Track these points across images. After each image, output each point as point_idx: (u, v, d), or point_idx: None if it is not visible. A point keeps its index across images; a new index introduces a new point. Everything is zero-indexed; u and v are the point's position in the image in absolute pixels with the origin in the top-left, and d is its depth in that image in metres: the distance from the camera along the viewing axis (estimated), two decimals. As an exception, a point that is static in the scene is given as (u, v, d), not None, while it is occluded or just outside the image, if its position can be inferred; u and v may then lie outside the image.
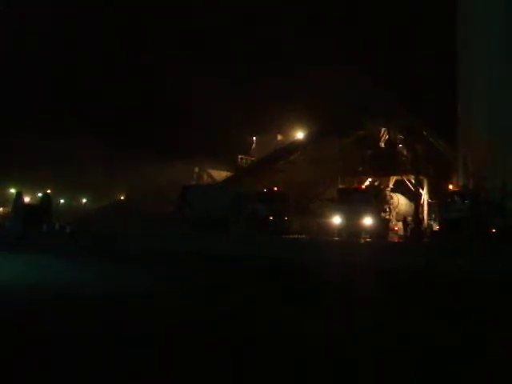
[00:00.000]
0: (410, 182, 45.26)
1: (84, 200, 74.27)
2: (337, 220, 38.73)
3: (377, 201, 39.51)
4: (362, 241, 35.65)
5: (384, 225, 39.62)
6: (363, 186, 43.94)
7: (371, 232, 37.68)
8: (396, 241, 39.21)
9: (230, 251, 22.76)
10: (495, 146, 38.38)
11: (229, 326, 8.29)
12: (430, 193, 44.82)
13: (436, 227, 42.29)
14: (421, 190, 44.66)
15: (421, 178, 44.82)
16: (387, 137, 48.18)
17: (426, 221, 44.17)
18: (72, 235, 36.28)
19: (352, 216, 37.63)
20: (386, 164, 45.03)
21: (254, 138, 63.82)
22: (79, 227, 39.07)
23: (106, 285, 13.25)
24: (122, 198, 66.29)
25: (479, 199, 35.10)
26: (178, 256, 21.15)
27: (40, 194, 55.84)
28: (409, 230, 41.32)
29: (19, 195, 48.50)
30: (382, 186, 44.42)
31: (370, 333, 7.92)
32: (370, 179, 46.18)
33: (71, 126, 60.50)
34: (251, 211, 40.67)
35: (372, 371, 6.11)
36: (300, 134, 59.32)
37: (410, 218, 42.72)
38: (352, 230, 37.61)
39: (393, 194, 44.17)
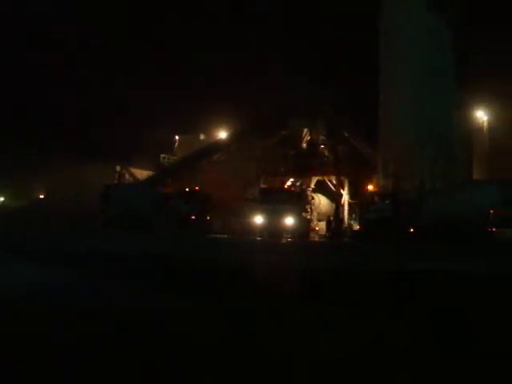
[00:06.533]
0: (331, 183, 45.80)
1: (1, 199, 71.81)
2: (259, 220, 38.76)
3: (298, 201, 39.80)
4: (284, 240, 35.78)
5: (305, 224, 39.98)
6: (285, 186, 44.21)
7: (292, 232, 37.91)
8: (317, 240, 39.65)
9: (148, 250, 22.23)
10: (413, 147, 39.26)
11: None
12: (350, 193, 45.48)
13: (356, 227, 43.02)
14: (342, 191, 45.27)
15: (342, 178, 45.44)
16: (309, 137, 48.66)
17: (346, 220, 44.84)
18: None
19: (274, 216, 37.74)
20: (307, 164, 45.46)
21: (177, 137, 63.29)
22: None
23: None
24: (42, 196, 64.51)
25: (397, 199, 35.83)
26: (100, 256, 20.48)
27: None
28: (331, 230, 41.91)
29: None
30: (303, 186, 44.85)
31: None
32: (291, 179, 46.51)
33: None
34: (173, 211, 40.29)
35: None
36: (223, 134, 59.24)
37: (332, 218, 43.29)
38: (274, 229, 37.72)
39: (314, 195, 44.70)
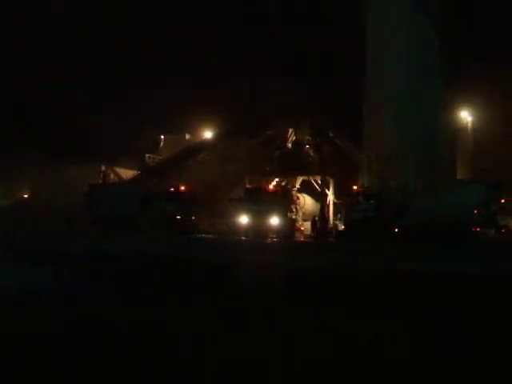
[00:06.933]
0: (317, 183, 45.89)
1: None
2: (244, 220, 38.71)
3: (284, 201, 39.80)
4: (269, 240, 35.76)
5: (290, 224, 40.00)
6: (271, 186, 44.27)
7: (278, 232, 37.91)
8: (302, 240, 39.68)
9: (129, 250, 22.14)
10: (398, 147, 39.50)
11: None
12: (336, 193, 45.60)
13: (342, 227, 43.13)
14: (327, 191, 45.38)
15: (327, 178, 45.54)
16: (294, 137, 48.77)
17: (331, 220, 44.94)
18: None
19: (259, 216, 37.69)
20: (292, 164, 45.58)
21: (162, 137, 63.17)
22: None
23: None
24: (26, 196, 64.02)
25: (382, 199, 35.96)
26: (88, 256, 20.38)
27: None
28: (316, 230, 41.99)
29: None
30: (288, 186, 44.91)
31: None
32: (277, 179, 46.57)
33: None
34: (159, 210, 40.10)
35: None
36: (209, 134, 59.25)
37: (317, 218, 43.39)
38: (259, 229, 37.68)
39: (299, 194, 44.77)
